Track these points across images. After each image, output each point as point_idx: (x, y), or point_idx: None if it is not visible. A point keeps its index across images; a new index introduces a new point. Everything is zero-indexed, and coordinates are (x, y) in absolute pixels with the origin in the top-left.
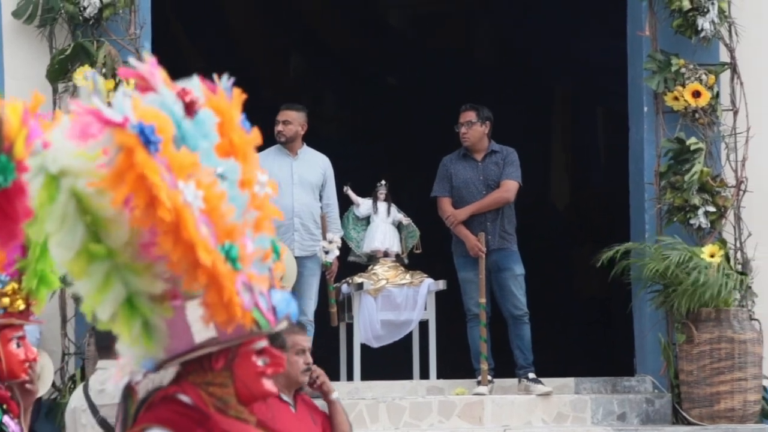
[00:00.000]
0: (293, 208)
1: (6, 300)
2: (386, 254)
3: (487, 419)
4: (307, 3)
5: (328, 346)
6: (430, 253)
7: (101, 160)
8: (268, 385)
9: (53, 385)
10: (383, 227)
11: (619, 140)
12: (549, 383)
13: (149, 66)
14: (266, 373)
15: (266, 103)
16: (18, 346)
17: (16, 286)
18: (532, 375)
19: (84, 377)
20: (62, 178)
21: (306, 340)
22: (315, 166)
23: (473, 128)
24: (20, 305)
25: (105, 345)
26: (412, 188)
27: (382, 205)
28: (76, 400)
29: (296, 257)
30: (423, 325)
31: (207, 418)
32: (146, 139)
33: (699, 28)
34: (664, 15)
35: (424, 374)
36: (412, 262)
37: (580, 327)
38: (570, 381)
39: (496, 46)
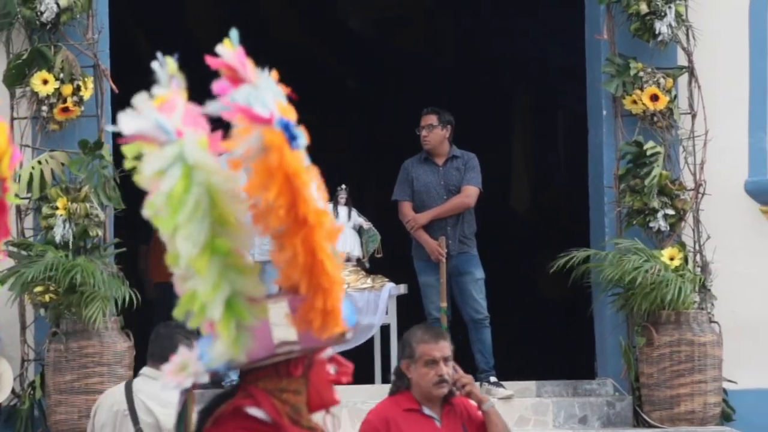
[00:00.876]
0: None
1: None
2: (347, 258)
3: None
4: (268, 8)
5: None
6: (391, 257)
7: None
8: (336, 394)
9: (13, 391)
10: (344, 231)
11: (579, 143)
12: (510, 386)
13: (239, 56)
14: (338, 381)
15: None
16: None
17: None
18: (493, 378)
19: (43, 383)
20: (196, 171)
21: (437, 349)
22: None
23: (434, 132)
24: None
25: (158, 352)
26: (374, 192)
27: (342, 210)
28: (118, 402)
29: (256, 262)
30: (384, 330)
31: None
32: (290, 135)
33: (656, 32)
34: (621, 18)
35: (386, 379)
36: (373, 266)
37: (540, 330)
38: (531, 384)
39: (457, 49)
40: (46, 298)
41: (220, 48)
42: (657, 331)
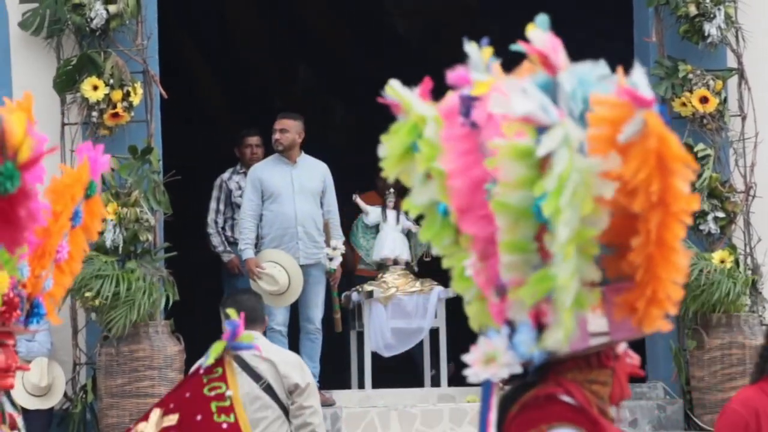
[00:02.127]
0: (296, 216)
1: None
2: (396, 262)
3: None
4: (313, 12)
5: (339, 355)
6: (440, 260)
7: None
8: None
9: (65, 395)
10: (393, 235)
11: None
12: None
13: (552, 42)
14: (636, 373)
15: (277, 113)
16: None
17: None
18: None
19: (95, 387)
20: (576, 154)
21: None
22: (314, 173)
23: None
24: None
25: (255, 317)
26: None
27: (391, 213)
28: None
29: (301, 266)
30: (433, 333)
31: (595, 423)
32: (665, 120)
33: (706, 34)
34: (670, 21)
35: (436, 382)
36: (421, 269)
37: None
38: None
39: (503, 53)
40: (96, 302)
41: (532, 33)
42: (708, 334)
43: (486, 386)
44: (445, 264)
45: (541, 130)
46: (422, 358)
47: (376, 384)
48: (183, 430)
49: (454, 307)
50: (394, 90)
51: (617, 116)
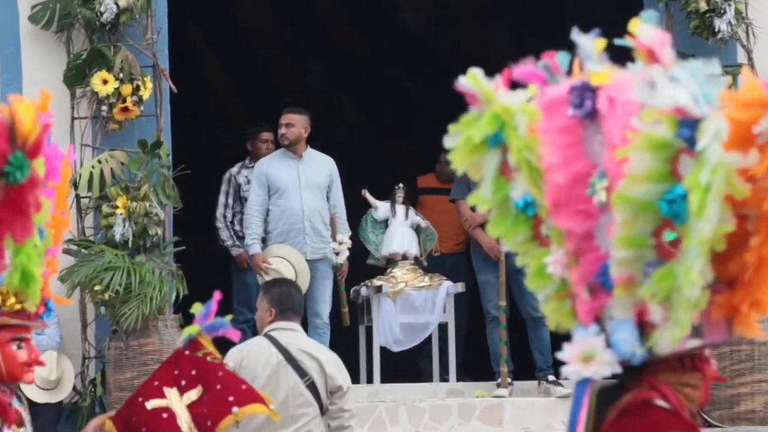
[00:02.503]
0: (303, 211)
1: None
2: (405, 257)
3: (507, 422)
4: (324, 8)
5: (348, 349)
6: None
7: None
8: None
9: (74, 388)
10: (401, 230)
11: None
12: (569, 385)
13: (659, 37)
14: (720, 378)
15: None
16: (19, 347)
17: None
18: (551, 377)
19: (104, 380)
20: (722, 150)
21: None
22: (321, 167)
23: None
24: (14, 304)
25: (289, 308)
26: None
27: (400, 208)
28: (274, 355)
29: (308, 260)
30: (442, 328)
31: (693, 428)
32: None
33: (716, 30)
34: (680, 17)
35: (444, 377)
36: (430, 264)
37: None
38: None
39: (513, 48)
40: (106, 296)
41: (638, 27)
42: None
43: (581, 384)
44: (519, 261)
45: (684, 122)
46: (430, 363)
47: (385, 378)
48: (211, 400)
49: (463, 301)
50: (476, 79)
51: (752, 114)
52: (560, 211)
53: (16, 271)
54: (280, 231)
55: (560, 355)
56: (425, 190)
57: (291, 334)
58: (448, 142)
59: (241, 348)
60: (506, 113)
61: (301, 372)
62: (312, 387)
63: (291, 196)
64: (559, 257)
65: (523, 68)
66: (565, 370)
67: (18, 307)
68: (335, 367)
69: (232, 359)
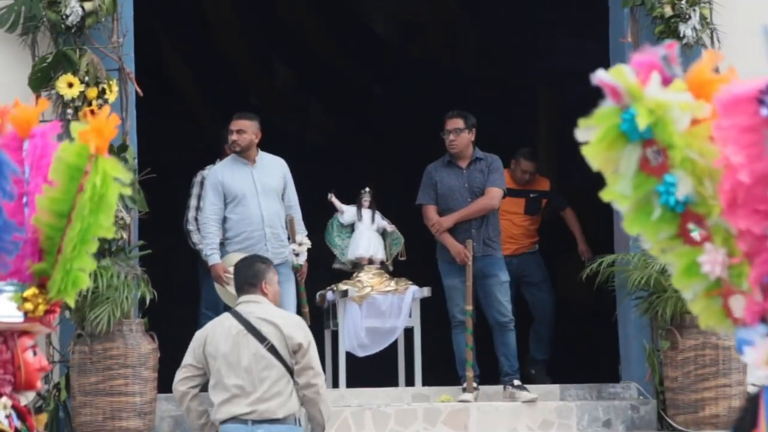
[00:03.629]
0: (263, 218)
1: (29, 305)
2: (371, 261)
3: (473, 426)
4: (290, 11)
5: None
6: (415, 260)
7: None
8: None
9: (38, 393)
10: (367, 234)
11: None
12: (534, 390)
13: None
14: None
15: (254, 110)
16: (34, 354)
17: (36, 290)
18: (517, 382)
19: (68, 385)
20: None
21: None
22: (274, 171)
23: (461, 136)
24: (42, 309)
25: (251, 282)
26: (397, 196)
27: (366, 213)
28: (234, 326)
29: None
30: (408, 333)
31: None
32: None
33: (681, 35)
34: (646, 22)
35: (410, 381)
36: (396, 269)
37: (565, 334)
38: (555, 388)
39: (480, 53)
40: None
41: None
42: (681, 334)
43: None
44: (665, 258)
45: None
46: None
47: (351, 383)
48: None
49: (429, 306)
50: (621, 73)
51: None
52: (737, 210)
53: (68, 276)
54: (241, 239)
55: (743, 358)
56: None
57: (252, 305)
58: (581, 135)
59: (205, 327)
60: (660, 109)
61: (261, 338)
62: (273, 350)
63: (249, 204)
64: (717, 257)
65: (640, 57)
66: (756, 375)
67: (42, 312)
68: (293, 326)
69: (197, 339)
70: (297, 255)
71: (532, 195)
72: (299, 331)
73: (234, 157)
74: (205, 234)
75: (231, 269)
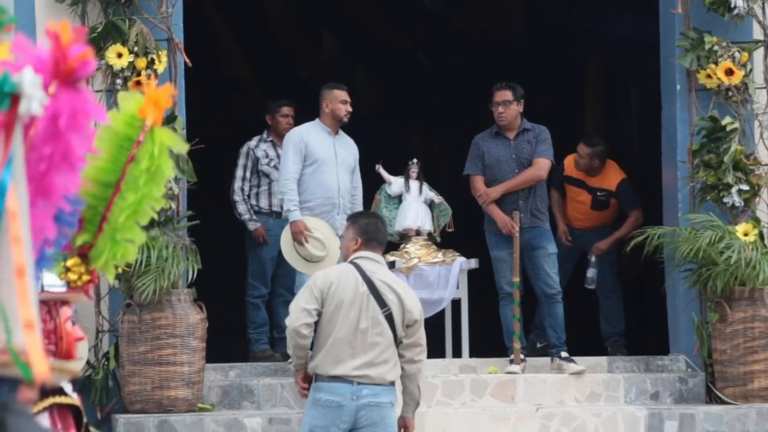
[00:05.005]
0: (339, 188)
1: (72, 275)
2: (418, 233)
3: (520, 398)
4: None
5: None
6: (463, 231)
7: None
8: None
9: (87, 362)
10: (415, 206)
11: (652, 119)
12: (582, 362)
13: None
14: None
15: (302, 82)
16: (73, 324)
17: (78, 260)
18: (564, 354)
19: (117, 354)
20: None
21: None
22: (350, 148)
23: (510, 107)
24: (86, 279)
25: (381, 241)
26: (445, 166)
27: (413, 184)
28: (361, 284)
29: (339, 236)
30: (455, 304)
31: None
32: None
33: (732, 6)
34: None
35: (457, 353)
36: (444, 240)
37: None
38: (603, 360)
39: (528, 22)
40: (120, 270)
41: None
42: (730, 307)
43: None
44: None
45: None
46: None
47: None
48: None
49: (476, 278)
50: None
51: None
52: None
53: (118, 246)
54: (315, 204)
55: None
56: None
57: (374, 264)
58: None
59: (327, 273)
60: None
61: (382, 302)
62: (389, 318)
63: (328, 171)
64: None
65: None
66: None
67: (84, 283)
68: (413, 299)
69: (319, 281)
70: None
71: (599, 194)
72: (417, 305)
73: (317, 123)
74: (286, 191)
75: (312, 229)
